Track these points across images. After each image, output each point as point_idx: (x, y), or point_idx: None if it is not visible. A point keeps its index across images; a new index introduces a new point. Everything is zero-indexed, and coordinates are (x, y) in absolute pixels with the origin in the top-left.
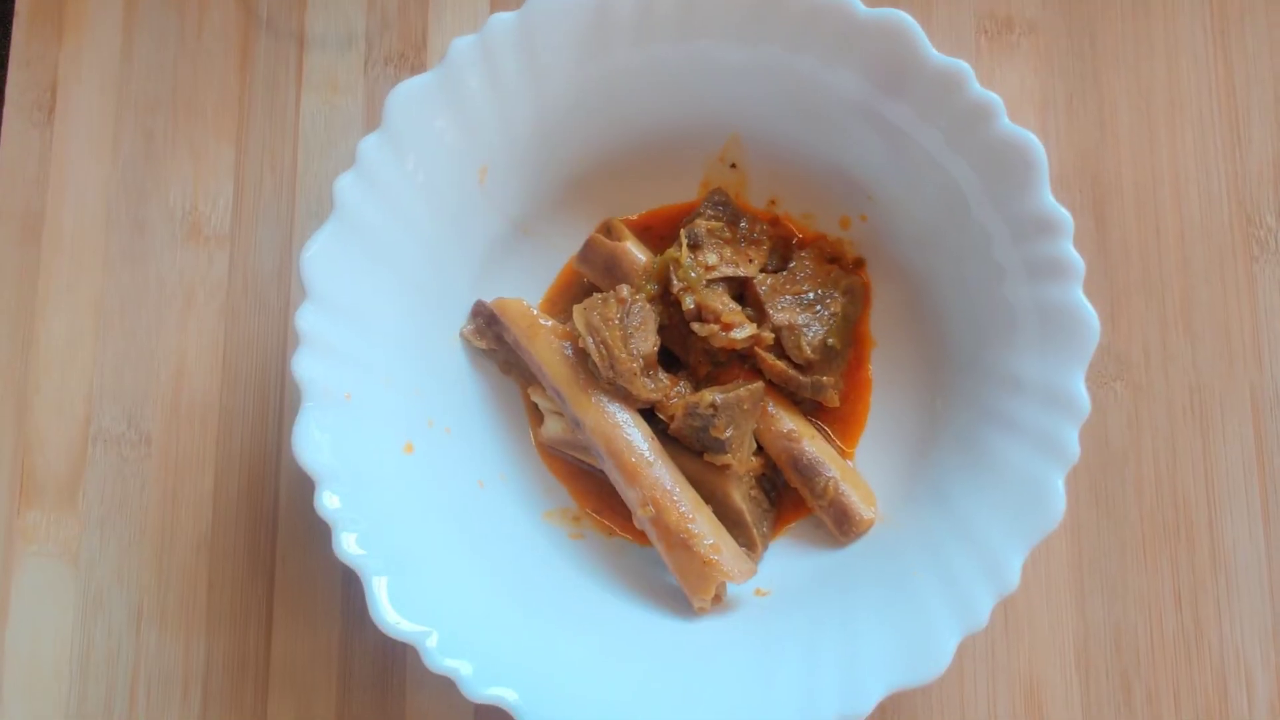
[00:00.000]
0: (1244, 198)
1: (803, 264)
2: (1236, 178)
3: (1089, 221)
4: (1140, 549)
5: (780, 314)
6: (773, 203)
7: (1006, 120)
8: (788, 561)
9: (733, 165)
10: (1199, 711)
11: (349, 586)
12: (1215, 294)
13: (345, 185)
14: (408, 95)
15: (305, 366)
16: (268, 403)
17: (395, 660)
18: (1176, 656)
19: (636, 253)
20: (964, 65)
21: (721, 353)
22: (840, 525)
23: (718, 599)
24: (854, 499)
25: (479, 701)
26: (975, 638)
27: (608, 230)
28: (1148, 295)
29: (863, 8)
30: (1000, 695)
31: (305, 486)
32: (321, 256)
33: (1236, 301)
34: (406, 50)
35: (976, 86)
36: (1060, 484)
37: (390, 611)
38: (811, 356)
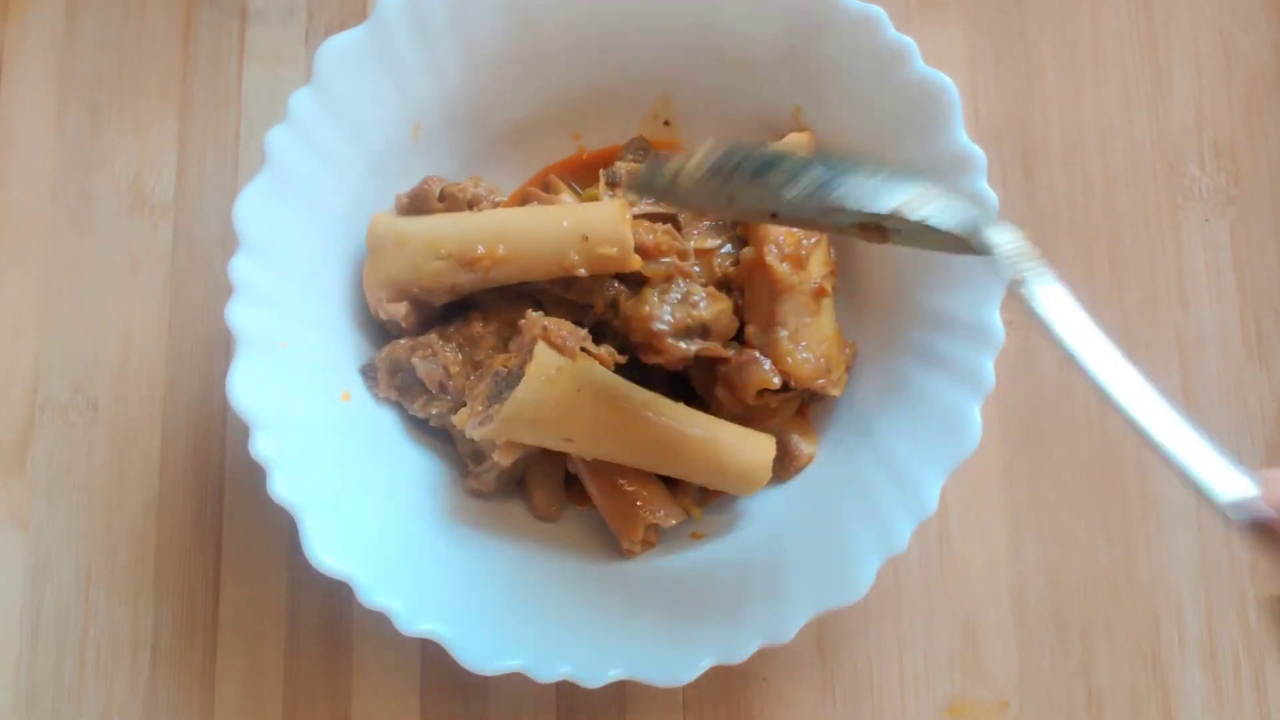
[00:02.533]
0: (1167, 147)
1: None
2: (1160, 128)
3: (1018, 174)
4: (1072, 490)
5: (694, 239)
6: None
7: (921, 63)
8: (725, 504)
9: (666, 123)
10: (1131, 648)
11: (294, 546)
12: (1140, 241)
13: (277, 138)
14: (337, 50)
15: (239, 315)
16: (213, 367)
17: (341, 616)
18: (1108, 594)
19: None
20: (878, 10)
21: None
22: (782, 461)
23: (649, 543)
24: (794, 437)
25: (412, 635)
26: (912, 581)
27: (545, 186)
28: (1076, 244)
29: None
30: (938, 636)
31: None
32: (254, 207)
33: (1161, 247)
34: (347, 20)
35: (891, 31)
36: (977, 411)
37: (325, 550)
38: (729, 271)
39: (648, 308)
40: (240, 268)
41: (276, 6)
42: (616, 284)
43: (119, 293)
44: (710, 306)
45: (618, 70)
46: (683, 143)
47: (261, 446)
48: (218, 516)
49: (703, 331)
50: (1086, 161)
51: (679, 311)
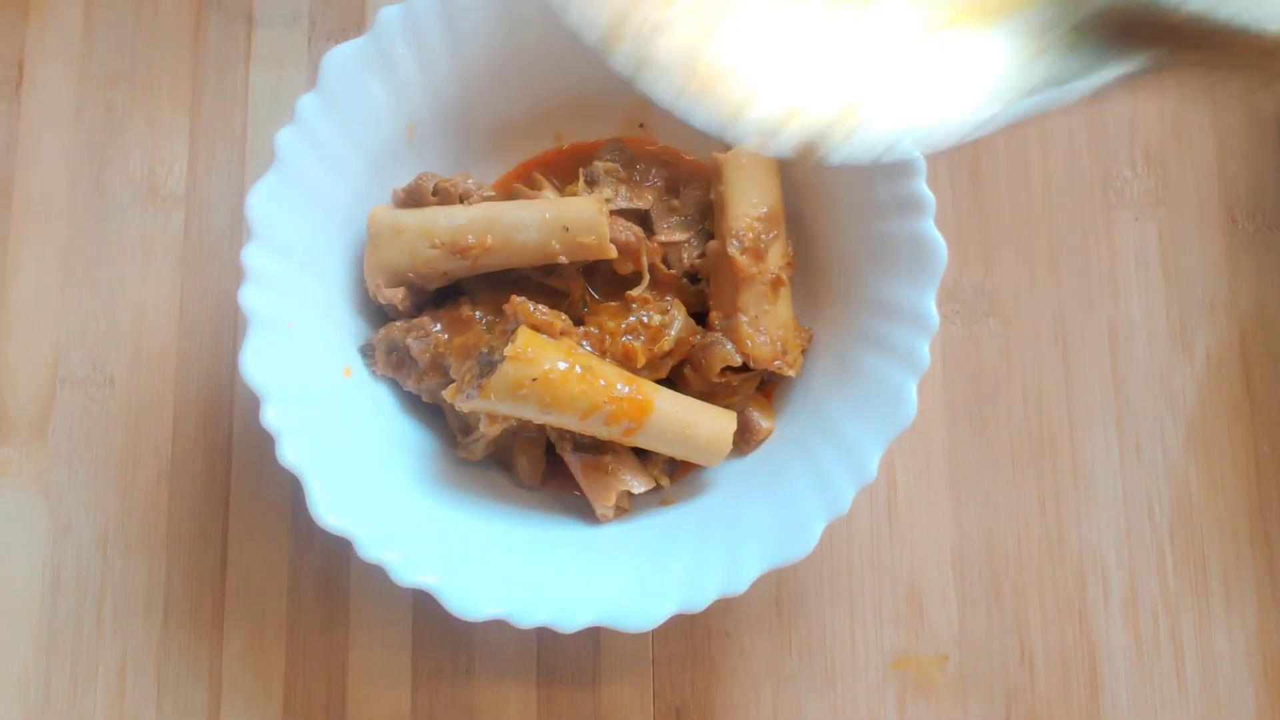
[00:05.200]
0: (1102, 153)
1: (691, 192)
2: (1096, 135)
3: (965, 179)
4: (1010, 464)
5: (664, 233)
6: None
7: None
8: (691, 474)
9: (641, 125)
10: (1060, 605)
11: (297, 509)
12: (1077, 238)
13: (285, 138)
14: (340, 58)
15: (250, 298)
16: (221, 347)
17: (339, 573)
18: (1040, 558)
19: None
20: None
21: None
22: (743, 434)
23: (622, 509)
24: (754, 414)
25: (407, 585)
26: (863, 547)
27: (528, 181)
28: (1018, 242)
29: None
30: (885, 596)
31: (256, 419)
32: (264, 200)
33: (1095, 245)
34: (347, 27)
35: None
36: (913, 389)
37: (328, 509)
38: (696, 263)
39: (621, 343)
40: (252, 255)
41: (281, 12)
42: (589, 287)
43: (134, 277)
44: (670, 336)
45: (597, 76)
46: (656, 143)
47: (271, 416)
48: (225, 482)
49: (667, 355)
50: (1029, 165)
51: (648, 343)
